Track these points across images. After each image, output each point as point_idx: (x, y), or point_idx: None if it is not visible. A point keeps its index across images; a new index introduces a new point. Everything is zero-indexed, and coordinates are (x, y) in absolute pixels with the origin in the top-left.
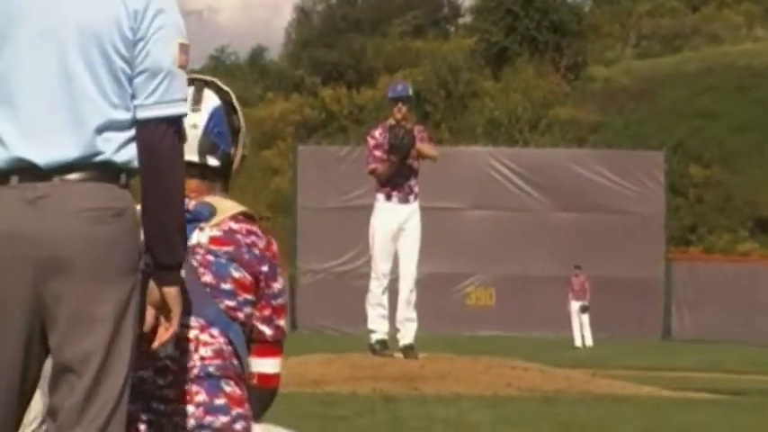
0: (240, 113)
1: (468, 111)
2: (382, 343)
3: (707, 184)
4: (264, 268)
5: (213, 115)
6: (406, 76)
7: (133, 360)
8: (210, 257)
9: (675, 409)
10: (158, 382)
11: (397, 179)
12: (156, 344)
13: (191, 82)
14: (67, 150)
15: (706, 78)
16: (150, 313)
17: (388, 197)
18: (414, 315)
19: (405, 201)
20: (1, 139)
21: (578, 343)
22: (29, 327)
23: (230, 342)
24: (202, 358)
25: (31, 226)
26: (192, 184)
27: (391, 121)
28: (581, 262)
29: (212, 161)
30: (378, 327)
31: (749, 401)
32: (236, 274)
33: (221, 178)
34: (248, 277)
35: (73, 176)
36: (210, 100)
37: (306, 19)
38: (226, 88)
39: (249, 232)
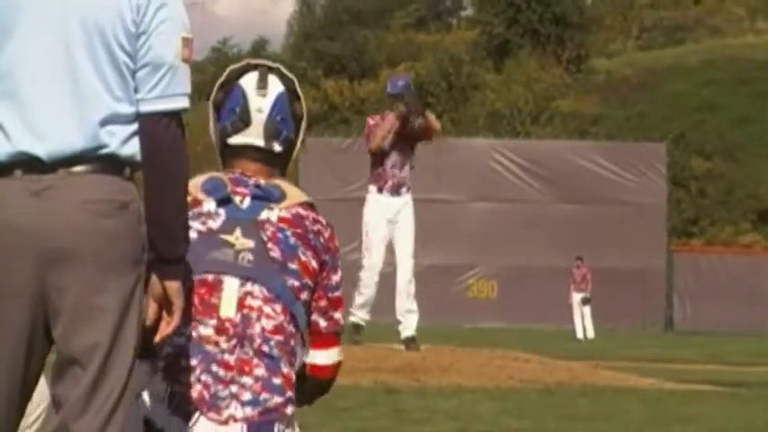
0: (303, 101)
1: (470, 103)
2: (357, 327)
3: (709, 176)
4: (327, 257)
5: (278, 101)
6: (408, 69)
7: (137, 351)
8: (280, 235)
9: (677, 401)
10: (221, 345)
11: (392, 170)
12: (157, 338)
13: (255, 67)
14: (72, 143)
15: (708, 71)
16: (152, 307)
17: (380, 189)
18: (414, 306)
19: (396, 193)
20: (5, 131)
21: (580, 335)
22: (32, 318)
23: (293, 320)
24: (263, 329)
25: (36, 217)
26: (254, 166)
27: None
28: (583, 254)
29: (276, 147)
30: (358, 312)
31: (751, 393)
32: (303, 257)
33: (281, 164)
34: (313, 263)
35: (77, 169)
36: (275, 86)
37: (308, 11)
38: (290, 75)
39: (316, 221)
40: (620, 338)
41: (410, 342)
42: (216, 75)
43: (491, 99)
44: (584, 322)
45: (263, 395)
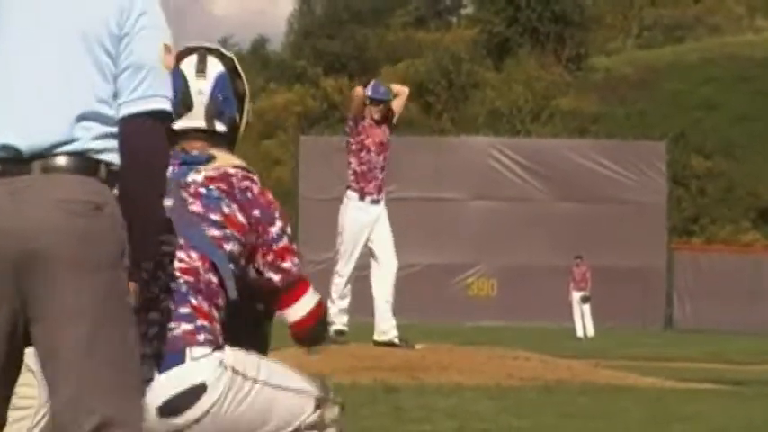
0: (244, 78)
1: (469, 101)
2: (340, 333)
3: (709, 174)
4: (256, 212)
5: (218, 81)
6: (408, 67)
7: (130, 351)
8: (202, 190)
9: (677, 400)
10: None
11: (373, 172)
12: None
13: (192, 50)
14: (48, 137)
15: (707, 69)
16: None
17: (362, 196)
18: (391, 315)
19: (376, 201)
20: None
21: (580, 333)
22: (12, 320)
23: (213, 268)
24: (172, 272)
25: (10, 219)
26: (197, 144)
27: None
28: (583, 252)
29: (219, 126)
30: (338, 320)
31: (751, 391)
32: (227, 210)
33: (227, 143)
34: (239, 216)
35: (53, 164)
36: (214, 66)
37: (308, 9)
38: (229, 54)
39: (245, 177)
40: (620, 337)
41: (403, 341)
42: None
43: (491, 97)
44: (584, 321)
45: (170, 325)
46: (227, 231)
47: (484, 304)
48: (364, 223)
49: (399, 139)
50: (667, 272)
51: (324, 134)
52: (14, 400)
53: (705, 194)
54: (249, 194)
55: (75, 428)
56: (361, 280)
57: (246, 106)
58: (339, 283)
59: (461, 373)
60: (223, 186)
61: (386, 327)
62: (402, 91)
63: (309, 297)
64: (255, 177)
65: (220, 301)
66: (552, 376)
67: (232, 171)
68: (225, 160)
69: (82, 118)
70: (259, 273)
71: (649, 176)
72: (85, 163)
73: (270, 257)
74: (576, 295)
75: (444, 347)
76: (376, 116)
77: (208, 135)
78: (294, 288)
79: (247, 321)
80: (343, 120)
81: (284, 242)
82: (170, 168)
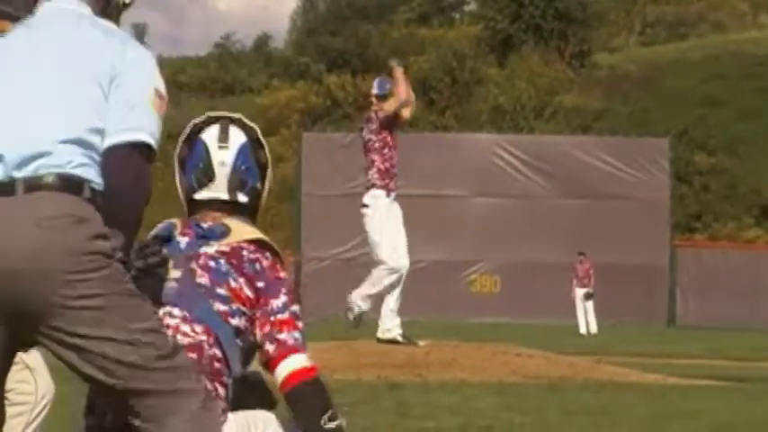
0: (266, 148)
1: (473, 98)
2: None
3: (712, 171)
4: (261, 284)
5: (241, 152)
6: (412, 64)
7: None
8: (212, 263)
9: (680, 396)
10: None
11: (395, 168)
12: None
13: (216, 119)
14: (34, 159)
15: (711, 66)
16: None
17: (388, 192)
18: (396, 314)
19: (395, 198)
20: None
21: (583, 330)
22: (9, 335)
23: (218, 343)
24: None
25: (2, 239)
26: (215, 215)
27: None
28: (586, 249)
29: (242, 197)
30: (362, 302)
31: (754, 388)
32: (234, 284)
33: (249, 212)
34: (246, 290)
35: (37, 184)
36: (237, 137)
37: (311, 6)
38: (251, 124)
39: (256, 251)
40: (623, 333)
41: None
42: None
43: (494, 94)
44: (587, 317)
45: None
46: (234, 306)
47: (487, 301)
48: (398, 216)
49: (403, 136)
50: (670, 268)
51: (327, 131)
52: (12, 396)
53: (708, 191)
54: (258, 266)
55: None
56: (364, 277)
57: (269, 174)
58: (391, 280)
59: (465, 369)
60: (233, 260)
61: (390, 325)
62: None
63: (299, 357)
64: (268, 253)
65: (225, 379)
66: (555, 373)
67: (245, 245)
68: (240, 234)
69: (69, 142)
70: (259, 346)
71: (652, 173)
72: (69, 182)
73: (267, 329)
74: (580, 292)
75: (448, 344)
76: (384, 112)
77: (229, 206)
78: (286, 353)
79: (255, 384)
80: (346, 116)
81: (285, 316)
82: (185, 239)
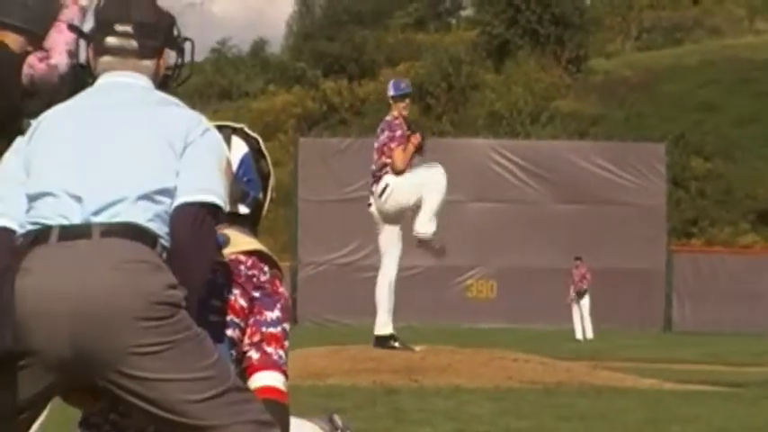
0: (268, 158)
1: (469, 103)
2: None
3: (708, 176)
4: (257, 293)
5: (243, 162)
6: (408, 69)
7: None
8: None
9: (676, 401)
10: None
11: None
12: None
13: (218, 129)
14: (112, 208)
15: (707, 71)
16: None
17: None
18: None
19: None
20: (54, 194)
21: (579, 335)
22: (61, 381)
23: None
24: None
25: (71, 281)
26: (219, 229)
27: (395, 116)
28: (582, 254)
29: (243, 209)
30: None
31: (750, 393)
32: (228, 295)
33: (250, 223)
34: (240, 300)
35: (112, 230)
36: (239, 147)
37: (307, 11)
38: (253, 134)
39: (254, 266)
40: (619, 338)
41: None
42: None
43: (491, 99)
44: (583, 323)
45: None
46: (228, 317)
47: (483, 306)
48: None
49: None
50: (666, 273)
51: (323, 136)
52: None
53: (705, 196)
54: (254, 279)
55: None
56: (363, 281)
57: (271, 185)
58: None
59: (461, 375)
60: (230, 271)
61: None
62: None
63: (277, 377)
64: (267, 267)
65: None
66: (551, 378)
67: (243, 258)
68: (238, 245)
69: (144, 198)
70: (243, 353)
71: (649, 178)
72: (143, 234)
73: (256, 338)
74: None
75: (444, 350)
76: (404, 112)
77: (230, 217)
78: (267, 367)
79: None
80: (342, 121)
81: (277, 330)
82: None
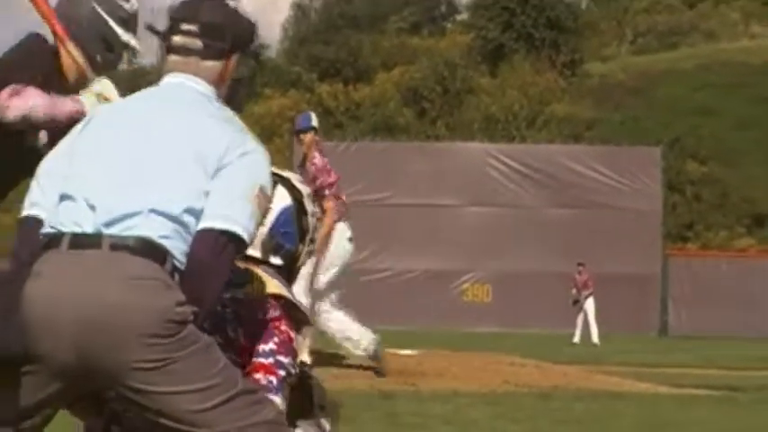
0: (310, 214)
1: (464, 107)
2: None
3: (704, 180)
4: (256, 330)
5: (281, 215)
6: (403, 73)
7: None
8: (218, 308)
9: (672, 406)
10: None
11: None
12: None
13: None
14: (125, 220)
15: (703, 75)
16: None
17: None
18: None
19: None
20: (74, 199)
21: (577, 339)
22: (68, 389)
23: None
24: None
25: (77, 290)
26: (251, 265)
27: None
28: (578, 258)
29: (275, 260)
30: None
31: (746, 398)
32: (231, 333)
33: (284, 274)
34: (241, 340)
35: (122, 244)
36: (282, 198)
37: (303, 15)
38: (300, 187)
39: (267, 308)
40: (615, 343)
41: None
42: None
43: (486, 103)
44: (589, 329)
45: None
46: (227, 354)
47: (479, 310)
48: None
49: (395, 146)
50: (662, 278)
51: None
52: None
53: (700, 200)
54: (260, 316)
55: None
56: (360, 285)
57: (308, 240)
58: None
59: (457, 379)
60: (243, 311)
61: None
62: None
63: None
64: (278, 312)
65: None
66: (548, 382)
67: (260, 301)
68: (260, 288)
69: (161, 214)
70: None
71: (644, 182)
72: (153, 250)
73: (246, 369)
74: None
75: (440, 354)
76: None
77: (263, 263)
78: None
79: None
80: (338, 125)
81: (269, 361)
82: None
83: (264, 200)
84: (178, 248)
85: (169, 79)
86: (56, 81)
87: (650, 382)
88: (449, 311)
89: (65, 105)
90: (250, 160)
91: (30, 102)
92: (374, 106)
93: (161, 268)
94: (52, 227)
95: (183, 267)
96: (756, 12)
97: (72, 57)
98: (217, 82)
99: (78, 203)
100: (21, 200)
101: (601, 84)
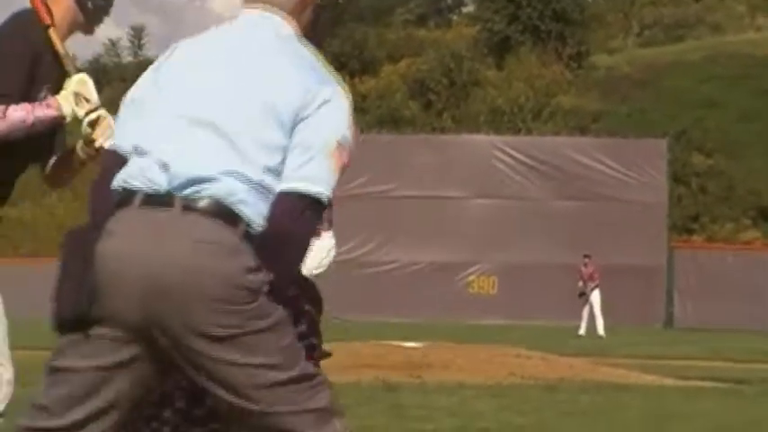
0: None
1: (471, 99)
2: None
3: (709, 172)
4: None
5: None
6: (409, 65)
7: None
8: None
9: (678, 398)
10: None
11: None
12: None
13: None
14: (198, 181)
15: (709, 67)
16: None
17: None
18: None
19: None
20: (148, 153)
21: (582, 331)
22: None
23: None
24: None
25: (147, 249)
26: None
27: None
28: (583, 250)
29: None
30: None
31: (752, 389)
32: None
33: None
34: None
35: (195, 206)
36: None
37: None
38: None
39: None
40: (620, 335)
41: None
42: None
43: (492, 95)
44: (594, 321)
45: None
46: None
47: (485, 302)
48: None
49: (401, 138)
50: (668, 270)
51: None
52: None
53: (706, 193)
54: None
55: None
56: (365, 278)
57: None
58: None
59: (462, 371)
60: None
61: None
62: None
63: None
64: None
65: None
66: (553, 374)
67: None
68: None
69: (235, 176)
70: None
71: (650, 174)
72: (226, 213)
73: None
74: (589, 294)
75: (446, 346)
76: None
77: None
78: None
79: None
80: None
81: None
82: None
83: (343, 153)
84: (255, 211)
85: (246, 14)
86: (48, 57)
87: (656, 374)
88: (454, 303)
89: (44, 114)
90: (328, 110)
91: (9, 122)
92: (380, 98)
93: (233, 232)
94: (126, 182)
95: (258, 230)
96: (762, 4)
97: (55, 46)
98: (297, 9)
99: (152, 160)
100: (23, 196)
101: (607, 76)
